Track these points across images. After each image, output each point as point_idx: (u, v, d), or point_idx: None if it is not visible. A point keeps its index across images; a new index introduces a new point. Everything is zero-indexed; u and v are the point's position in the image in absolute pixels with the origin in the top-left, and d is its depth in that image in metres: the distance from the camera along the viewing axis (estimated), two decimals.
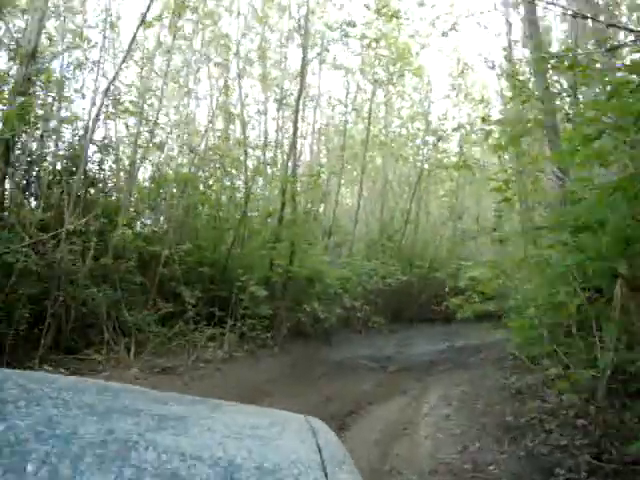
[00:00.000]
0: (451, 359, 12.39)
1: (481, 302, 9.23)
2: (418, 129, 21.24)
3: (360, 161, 19.46)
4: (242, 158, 12.15)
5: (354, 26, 13.31)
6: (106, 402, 1.19)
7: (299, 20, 14.50)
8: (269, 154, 13.64)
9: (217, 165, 11.25)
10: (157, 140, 10.75)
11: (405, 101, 21.45)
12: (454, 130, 18.21)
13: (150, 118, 10.55)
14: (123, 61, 9.50)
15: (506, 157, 11.22)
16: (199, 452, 0.97)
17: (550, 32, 14.20)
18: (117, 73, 9.34)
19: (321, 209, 18.24)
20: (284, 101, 13.21)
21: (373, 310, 15.50)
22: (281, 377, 9.31)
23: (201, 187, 11.38)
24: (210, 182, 11.55)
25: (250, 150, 12.60)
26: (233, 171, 12.20)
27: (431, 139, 20.55)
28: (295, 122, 12.55)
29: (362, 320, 15.14)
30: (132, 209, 10.16)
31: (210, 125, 11.41)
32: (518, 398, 6.16)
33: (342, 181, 20.86)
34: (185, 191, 10.63)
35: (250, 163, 12.53)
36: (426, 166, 20.47)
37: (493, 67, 11.43)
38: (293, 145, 12.46)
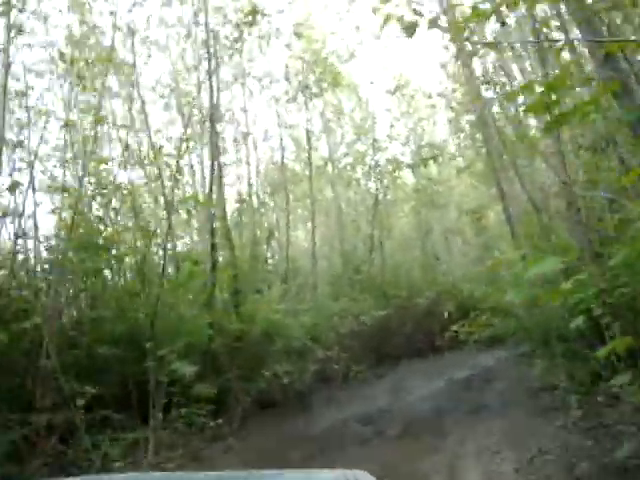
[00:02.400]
0: (461, 400, 9.28)
1: (502, 320, 6.34)
2: (365, 150, 18.52)
3: (308, 194, 16.57)
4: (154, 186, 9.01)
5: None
6: None
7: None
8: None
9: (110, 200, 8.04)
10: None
11: (345, 122, 18.86)
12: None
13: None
14: None
15: None
16: None
17: None
18: None
19: (270, 253, 15.28)
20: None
21: (352, 356, 12.35)
22: None
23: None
24: (104, 227, 8.24)
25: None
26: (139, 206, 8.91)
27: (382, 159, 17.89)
28: (213, 138, 9.59)
29: (341, 371, 11.96)
30: None
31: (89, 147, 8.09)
32: None
33: (291, 217, 18.06)
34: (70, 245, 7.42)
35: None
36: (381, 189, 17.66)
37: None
38: (214, 160, 9.44)
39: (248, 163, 15.46)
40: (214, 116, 9.95)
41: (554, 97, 2.84)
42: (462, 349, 12.91)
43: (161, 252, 8.62)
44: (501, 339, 10.22)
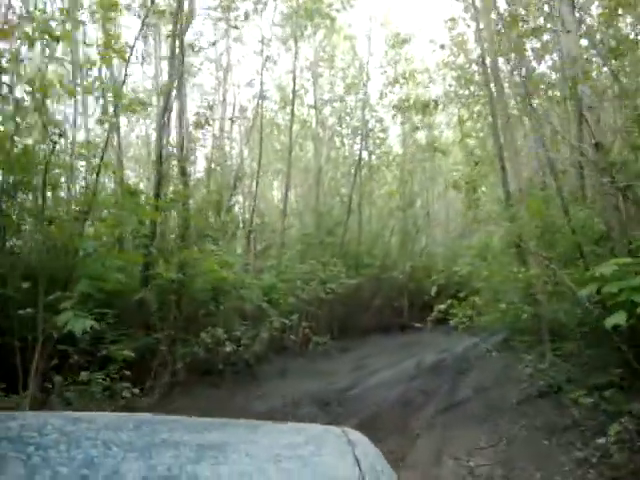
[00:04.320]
0: (434, 392, 7.67)
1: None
2: (353, 107, 16.59)
3: (286, 145, 14.66)
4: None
5: None
6: (144, 437, 1.10)
7: None
8: None
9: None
10: None
11: (335, 74, 16.83)
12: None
13: None
14: None
15: None
16: None
17: None
18: None
19: (241, 208, 13.46)
20: None
21: (314, 326, 10.67)
22: None
23: None
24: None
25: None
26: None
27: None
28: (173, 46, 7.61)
29: (301, 341, 10.29)
30: None
31: None
32: None
33: (269, 175, 16.24)
34: None
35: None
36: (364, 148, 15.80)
37: None
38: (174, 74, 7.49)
39: (224, 100, 13.48)
40: (179, 23, 7.96)
41: None
42: (433, 329, 11.39)
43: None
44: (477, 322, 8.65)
